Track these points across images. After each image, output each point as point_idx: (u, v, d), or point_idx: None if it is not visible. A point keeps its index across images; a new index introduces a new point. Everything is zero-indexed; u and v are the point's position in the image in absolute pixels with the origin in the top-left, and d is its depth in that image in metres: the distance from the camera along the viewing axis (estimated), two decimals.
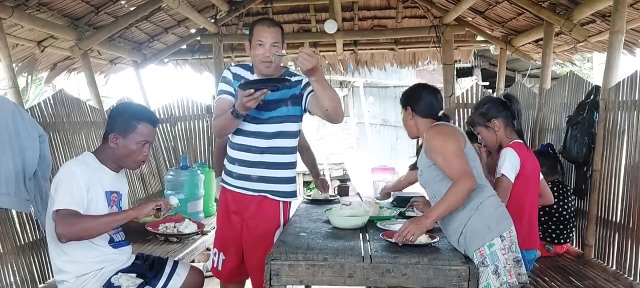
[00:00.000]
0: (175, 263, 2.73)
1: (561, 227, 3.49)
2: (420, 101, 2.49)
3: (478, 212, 2.24)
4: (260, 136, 2.67)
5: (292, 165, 2.79)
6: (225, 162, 2.81)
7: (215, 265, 2.86)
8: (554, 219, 3.47)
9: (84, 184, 2.32)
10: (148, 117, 2.47)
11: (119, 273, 2.50)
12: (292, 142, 2.75)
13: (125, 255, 2.60)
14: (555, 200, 3.41)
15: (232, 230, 2.78)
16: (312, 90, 2.59)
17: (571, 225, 3.54)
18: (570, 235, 3.58)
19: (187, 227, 2.74)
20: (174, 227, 2.65)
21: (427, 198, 2.64)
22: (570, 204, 3.51)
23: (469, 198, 2.25)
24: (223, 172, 2.84)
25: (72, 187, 2.28)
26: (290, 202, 2.83)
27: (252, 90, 2.39)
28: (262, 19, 2.81)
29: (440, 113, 2.49)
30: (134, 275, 2.53)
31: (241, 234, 2.77)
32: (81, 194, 2.30)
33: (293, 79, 2.65)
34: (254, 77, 2.68)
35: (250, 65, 2.77)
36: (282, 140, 2.69)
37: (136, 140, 2.41)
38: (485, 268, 2.15)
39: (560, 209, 3.47)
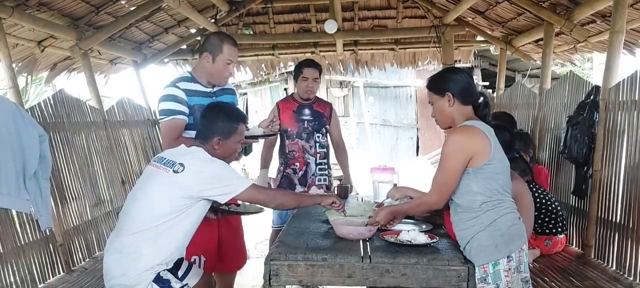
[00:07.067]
0: None
1: (554, 217, 3.47)
2: (461, 84, 2.23)
3: (489, 228, 2.11)
4: None
5: None
6: None
7: None
8: (544, 211, 3.47)
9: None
10: (244, 118, 2.72)
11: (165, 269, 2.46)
12: None
13: None
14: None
15: (210, 227, 2.81)
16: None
17: (561, 215, 3.52)
18: (565, 225, 3.57)
19: (251, 207, 2.95)
20: (237, 206, 2.92)
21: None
22: (548, 197, 3.49)
23: (482, 210, 2.13)
24: None
25: (234, 170, 2.48)
26: None
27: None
28: (230, 37, 2.96)
29: (480, 99, 2.27)
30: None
31: (218, 227, 2.89)
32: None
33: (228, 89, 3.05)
34: (197, 86, 2.90)
35: (190, 75, 2.94)
36: None
37: (237, 139, 2.62)
38: (486, 285, 2.08)
39: (544, 202, 3.45)
